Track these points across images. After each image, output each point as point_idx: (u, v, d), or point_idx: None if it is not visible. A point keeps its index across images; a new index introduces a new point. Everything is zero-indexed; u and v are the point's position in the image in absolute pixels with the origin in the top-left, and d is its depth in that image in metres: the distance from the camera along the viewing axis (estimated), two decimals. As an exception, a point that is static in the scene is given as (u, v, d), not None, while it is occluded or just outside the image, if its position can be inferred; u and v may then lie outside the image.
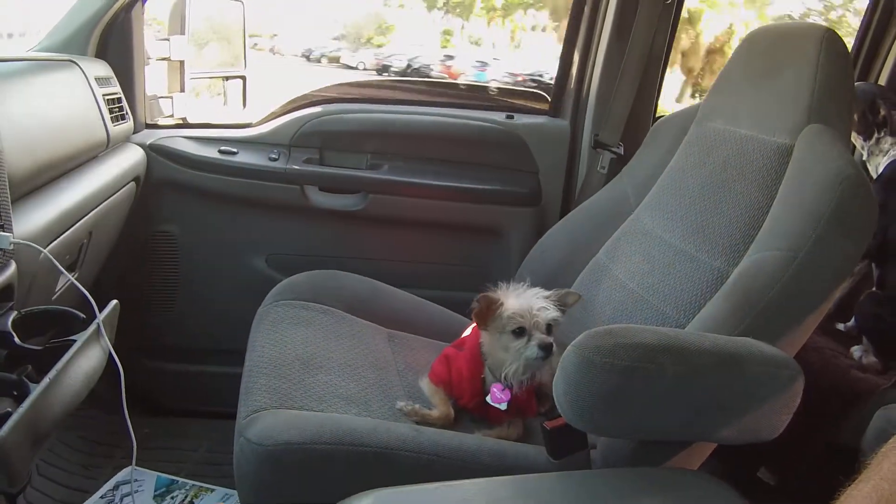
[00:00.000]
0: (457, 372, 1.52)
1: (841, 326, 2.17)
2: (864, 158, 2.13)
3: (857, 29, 2.52)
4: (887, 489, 0.64)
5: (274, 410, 1.36)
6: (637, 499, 1.17)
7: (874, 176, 2.09)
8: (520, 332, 1.44)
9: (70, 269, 1.65)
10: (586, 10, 2.33)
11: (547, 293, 1.50)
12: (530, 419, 1.53)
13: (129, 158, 2.03)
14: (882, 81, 2.44)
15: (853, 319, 2.12)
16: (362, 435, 1.31)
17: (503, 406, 1.47)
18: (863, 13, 2.53)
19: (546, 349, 1.42)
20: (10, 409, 0.97)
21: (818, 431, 1.82)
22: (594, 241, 1.86)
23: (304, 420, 1.34)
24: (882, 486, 0.64)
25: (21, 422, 0.95)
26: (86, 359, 1.16)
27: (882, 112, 2.05)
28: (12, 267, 1.25)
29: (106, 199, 1.82)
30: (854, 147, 2.15)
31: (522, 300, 1.46)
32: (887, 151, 2.06)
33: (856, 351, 2.03)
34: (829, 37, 1.47)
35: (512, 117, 2.37)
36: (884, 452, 0.68)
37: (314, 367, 1.53)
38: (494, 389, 1.48)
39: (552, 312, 1.45)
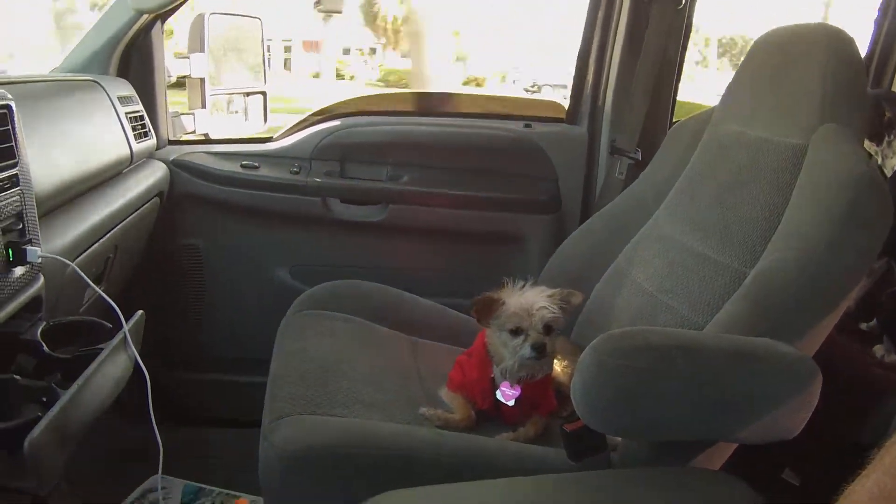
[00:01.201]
0: (469, 375, 1.54)
1: (864, 326, 2.15)
2: (880, 162, 2.13)
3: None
4: (889, 484, 0.64)
5: (298, 416, 1.38)
6: (655, 498, 1.18)
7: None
8: (516, 331, 1.45)
9: (97, 281, 1.69)
10: (599, 17, 2.35)
11: (550, 292, 1.50)
12: (552, 421, 1.54)
13: (153, 174, 2.07)
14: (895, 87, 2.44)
15: (875, 319, 2.11)
16: (385, 438, 1.33)
17: (511, 402, 1.49)
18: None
19: (539, 349, 1.44)
20: (39, 414, 1.00)
21: (841, 431, 1.81)
22: (614, 247, 1.87)
23: (328, 425, 1.36)
24: (884, 480, 0.65)
25: (50, 425, 0.98)
26: (112, 366, 1.19)
27: (888, 114, 2.05)
28: (40, 280, 1.29)
29: (131, 214, 1.86)
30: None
31: (523, 299, 1.47)
32: None
33: (878, 350, 2.02)
34: (839, 36, 1.47)
35: (530, 126, 2.39)
36: (886, 447, 0.67)
37: (338, 375, 1.55)
38: (503, 387, 1.49)
39: (550, 312, 1.45)
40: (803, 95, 1.48)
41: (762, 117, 1.61)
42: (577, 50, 2.42)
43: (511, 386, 1.49)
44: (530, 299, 1.47)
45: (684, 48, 2.33)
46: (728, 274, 1.48)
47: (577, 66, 2.43)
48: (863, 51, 2.40)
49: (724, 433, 1.24)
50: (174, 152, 2.26)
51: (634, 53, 2.27)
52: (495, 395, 1.50)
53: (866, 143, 2.12)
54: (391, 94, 2.53)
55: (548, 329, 1.46)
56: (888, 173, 2.09)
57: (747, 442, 1.26)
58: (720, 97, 1.80)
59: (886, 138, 2.09)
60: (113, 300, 1.34)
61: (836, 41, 1.46)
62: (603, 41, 2.35)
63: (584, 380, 1.14)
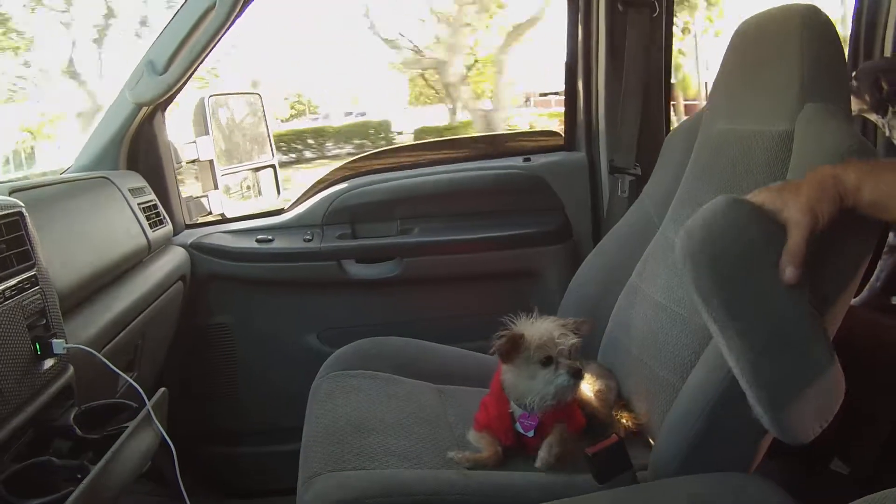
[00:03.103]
0: (490, 413, 1.55)
1: (895, 300, 2.11)
2: (888, 134, 2.11)
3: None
4: None
5: (328, 474, 1.41)
6: None
7: None
8: (547, 360, 1.45)
9: (129, 368, 1.76)
10: (579, 40, 2.39)
11: (562, 321, 1.50)
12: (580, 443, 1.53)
13: (173, 260, 2.15)
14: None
15: None
16: (411, 485, 1.35)
17: (531, 433, 1.49)
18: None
19: (577, 375, 1.44)
20: (72, 488, 1.07)
21: (884, 413, 1.79)
22: (627, 265, 1.87)
23: (356, 479, 1.38)
24: None
25: (81, 496, 1.05)
26: (138, 441, 1.26)
27: (885, 87, 2.05)
28: (70, 370, 1.37)
29: (155, 301, 1.93)
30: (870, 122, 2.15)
31: (542, 329, 1.47)
32: None
33: None
34: (810, 12, 1.45)
35: (529, 159, 2.43)
36: None
37: (366, 430, 1.57)
38: (521, 419, 1.49)
39: (572, 338, 1.46)
40: (783, 80, 1.47)
41: (748, 110, 1.61)
42: (563, 77, 2.46)
43: (529, 416, 1.49)
44: (548, 328, 1.47)
45: (668, 56, 2.35)
46: None
47: (565, 91, 2.48)
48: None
49: None
50: (191, 236, 2.34)
51: (618, 70, 2.31)
52: (515, 428, 1.51)
53: (873, 116, 2.12)
54: (391, 148, 2.58)
55: (570, 354, 1.46)
56: None
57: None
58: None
59: (891, 108, 2.07)
60: (148, 382, 1.40)
61: (809, 19, 1.44)
62: (587, 64, 2.39)
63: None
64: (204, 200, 2.44)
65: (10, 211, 1.30)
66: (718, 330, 1.13)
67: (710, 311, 1.12)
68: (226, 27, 1.96)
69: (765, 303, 1.13)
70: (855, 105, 2.11)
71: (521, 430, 1.50)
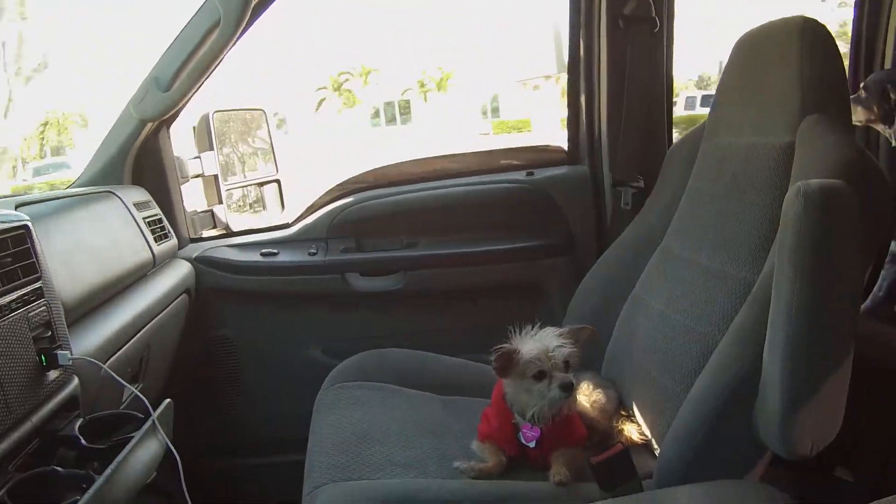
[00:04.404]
0: (492, 424, 1.56)
1: None
2: (894, 144, 2.12)
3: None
4: None
5: (333, 484, 1.42)
6: None
7: None
8: (540, 375, 1.46)
9: (134, 379, 1.78)
10: (581, 53, 2.40)
11: (560, 331, 1.51)
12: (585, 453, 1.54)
13: (178, 273, 2.16)
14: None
15: None
16: (416, 495, 1.37)
17: (532, 444, 1.49)
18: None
19: (567, 388, 1.44)
20: (77, 497, 1.08)
21: (888, 422, 1.78)
22: (630, 277, 1.88)
23: (361, 489, 1.39)
24: None
25: None
26: (143, 451, 1.27)
27: (893, 97, 2.05)
28: (75, 381, 1.39)
29: (160, 314, 1.94)
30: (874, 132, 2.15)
31: (538, 343, 1.48)
32: None
33: None
34: (809, 24, 1.46)
35: (532, 173, 2.44)
36: None
37: (371, 441, 1.58)
38: (524, 430, 1.50)
39: (567, 349, 1.47)
40: (783, 92, 1.48)
41: (748, 122, 1.62)
42: (566, 91, 2.48)
43: (531, 428, 1.49)
44: (544, 342, 1.48)
45: (669, 70, 2.37)
46: (737, 284, 1.48)
47: (568, 105, 2.49)
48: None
49: None
50: (196, 249, 2.35)
51: (620, 84, 2.32)
52: (518, 438, 1.51)
53: (880, 127, 2.12)
54: (397, 164, 2.58)
55: (566, 366, 1.47)
56: None
57: None
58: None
59: None
60: (153, 393, 1.41)
61: (808, 32, 1.45)
62: (589, 79, 2.40)
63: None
64: (209, 215, 2.45)
65: (15, 224, 1.31)
66: (787, 297, 1.18)
67: (804, 267, 1.16)
68: (231, 43, 1.98)
69: (840, 289, 1.19)
70: (863, 115, 2.12)
71: (524, 441, 1.50)
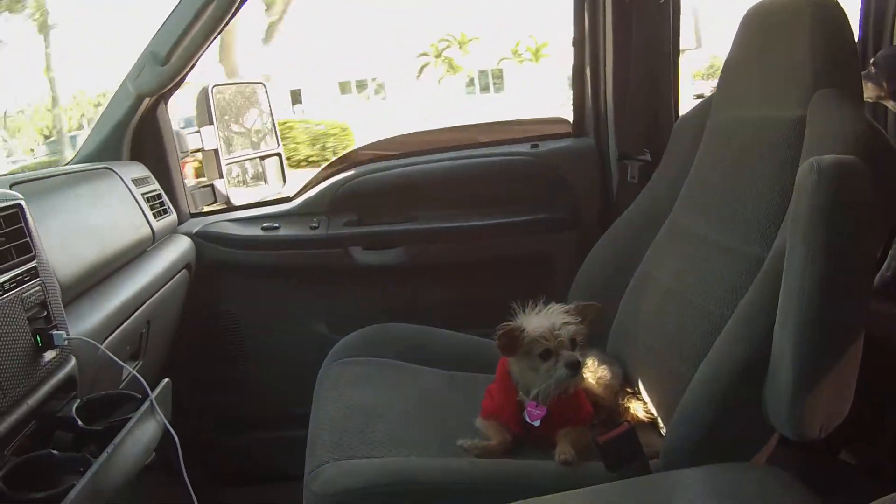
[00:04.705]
0: (497, 401, 1.54)
1: None
2: None
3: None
4: None
5: (336, 462, 1.41)
6: (702, 497, 1.17)
7: None
8: (546, 354, 1.44)
9: (133, 357, 1.77)
10: (586, 24, 2.36)
11: (565, 308, 1.49)
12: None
13: (178, 249, 2.14)
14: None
15: None
16: (419, 474, 1.35)
17: (537, 423, 1.47)
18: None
19: (574, 367, 1.43)
20: (74, 482, 1.07)
21: (892, 405, 1.77)
22: (637, 251, 1.86)
23: (364, 467, 1.38)
24: None
25: (83, 492, 1.05)
26: (142, 432, 1.26)
27: None
28: (72, 361, 1.37)
29: (160, 290, 1.92)
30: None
31: (543, 321, 1.46)
32: None
33: None
34: (822, 0, 1.43)
35: (537, 146, 2.41)
36: None
37: (374, 418, 1.57)
38: (529, 408, 1.48)
39: (573, 327, 1.45)
40: (794, 66, 1.45)
41: (758, 96, 1.59)
42: (571, 63, 2.44)
43: (537, 406, 1.48)
44: (550, 319, 1.46)
45: (676, 41, 2.32)
46: (747, 260, 1.45)
47: (573, 77, 2.44)
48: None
49: None
50: (197, 224, 2.33)
51: (626, 57, 2.28)
52: (523, 416, 1.50)
53: (890, 104, 2.10)
54: (399, 136, 2.56)
55: (573, 344, 1.46)
56: None
57: None
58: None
59: None
60: (154, 371, 1.40)
61: (819, 4, 1.43)
62: (594, 49, 2.36)
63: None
64: (209, 189, 2.43)
65: (8, 203, 1.29)
66: (799, 274, 1.16)
67: (817, 244, 1.15)
68: (228, 17, 1.96)
69: (853, 266, 1.17)
70: (873, 92, 2.09)
71: (529, 420, 1.49)
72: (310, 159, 16.45)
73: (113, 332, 1.58)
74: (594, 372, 1.62)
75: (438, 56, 29.89)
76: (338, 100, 26.03)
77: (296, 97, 25.38)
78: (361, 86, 27.21)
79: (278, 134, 2.68)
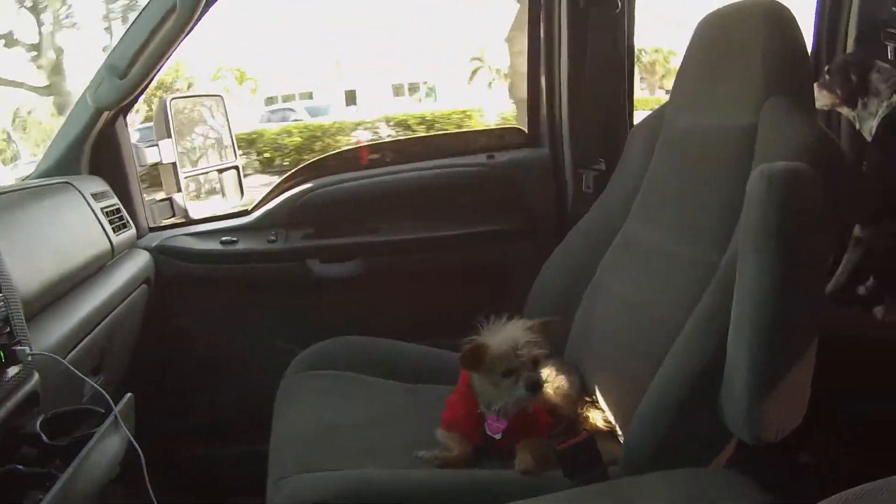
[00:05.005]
0: (457, 413, 1.55)
1: (861, 289, 2.13)
2: (858, 127, 2.15)
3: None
4: None
5: (296, 476, 1.40)
6: (657, 501, 1.20)
7: (869, 140, 2.11)
8: (508, 372, 1.45)
9: (95, 371, 1.75)
10: (541, 33, 2.40)
11: (529, 324, 1.50)
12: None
13: (137, 263, 2.13)
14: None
15: (871, 278, 2.11)
16: (383, 485, 1.36)
17: (498, 436, 1.49)
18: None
19: (534, 388, 1.44)
20: (41, 497, 1.07)
21: (844, 406, 1.80)
22: (592, 262, 1.87)
23: (326, 480, 1.38)
24: None
25: None
26: (106, 447, 1.25)
27: (853, 79, 2.08)
28: (35, 377, 1.35)
29: (119, 304, 1.91)
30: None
31: (506, 337, 1.46)
32: (876, 113, 2.08)
33: (878, 312, 2.02)
34: (772, 7, 1.46)
35: (493, 156, 2.44)
36: None
37: (335, 430, 1.58)
38: (490, 421, 1.50)
39: (537, 349, 1.46)
40: (746, 73, 1.48)
41: (710, 104, 1.62)
42: (526, 73, 2.47)
43: (497, 419, 1.49)
44: (513, 336, 1.47)
45: (630, 52, 2.37)
46: (701, 267, 1.46)
47: (528, 87, 2.48)
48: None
49: None
50: (156, 239, 2.31)
51: (581, 66, 2.32)
52: (484, 429, 1.51)
53: (845, 110, 2.16)
54: (356, 148, 2.57)
55: (535, 363, 1.47)
56: (867, 136, 2.11)
57: None
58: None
59: (861, 100, 2.10)
60: (115, 386, 1.40)
61: (771, 14, 1.45)
62: (549, 59, 2.40)
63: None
64: (167, 203, 2.41)
65: None
66: (751, 281, 1.19)
67: (769, 251, 1.17)
68: (187, 30, 1.95)
69: (805, 272, 1.20)
70: (828, 99, 2.15)
71: (490, 433, 1.50)
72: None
73: (75, 347, 1.57)
74: (552, 382, 1.63)
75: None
76: (391, 102, 25.55)
77: (350, 98, 24.96)
78: (413, 89, 26.92)
79: (236, 146, 2.68)
